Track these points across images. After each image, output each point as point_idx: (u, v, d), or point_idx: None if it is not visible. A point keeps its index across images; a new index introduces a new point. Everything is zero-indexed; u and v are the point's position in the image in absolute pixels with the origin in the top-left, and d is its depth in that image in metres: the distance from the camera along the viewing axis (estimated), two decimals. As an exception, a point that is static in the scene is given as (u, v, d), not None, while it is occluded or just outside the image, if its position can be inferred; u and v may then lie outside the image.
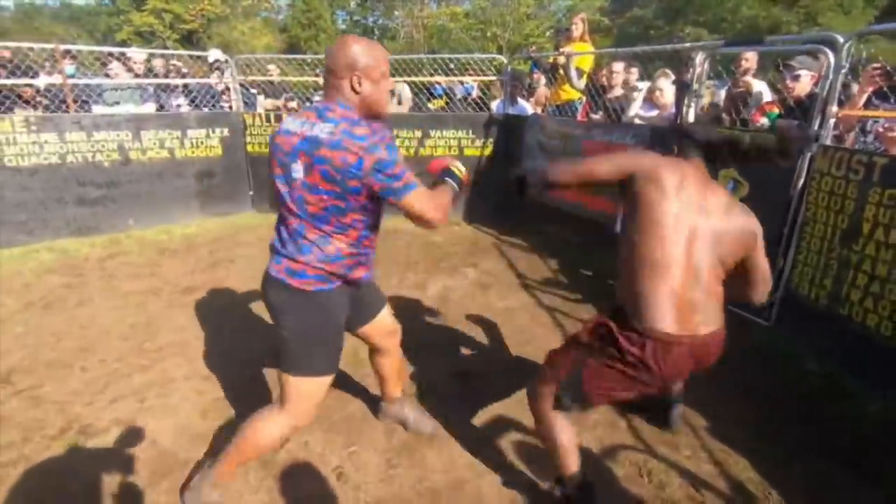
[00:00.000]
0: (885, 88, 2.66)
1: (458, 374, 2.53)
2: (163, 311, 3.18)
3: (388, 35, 32.86)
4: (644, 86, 4.17)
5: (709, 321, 1.38)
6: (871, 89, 2.73)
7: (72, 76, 4.70)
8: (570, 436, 1.59)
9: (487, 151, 5.12)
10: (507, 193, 5.07)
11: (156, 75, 5.06)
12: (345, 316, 1.61)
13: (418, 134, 5.07)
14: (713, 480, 1.87)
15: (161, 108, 4.96)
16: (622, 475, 1.89)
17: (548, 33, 21.03)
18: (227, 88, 5.17)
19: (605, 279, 3.67)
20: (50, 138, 4.23)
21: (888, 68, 2.65)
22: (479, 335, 2.96)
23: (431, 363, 2.61)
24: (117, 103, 4.57)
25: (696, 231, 1.36)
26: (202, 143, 4.97)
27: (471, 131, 5.06)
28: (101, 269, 3.88)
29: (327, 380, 1.58)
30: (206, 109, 5.07)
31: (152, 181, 4.80)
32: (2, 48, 4.70)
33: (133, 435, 2.07)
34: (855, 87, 2.84)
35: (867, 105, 2.75)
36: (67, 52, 4.63)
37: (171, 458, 1.94)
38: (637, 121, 3.93)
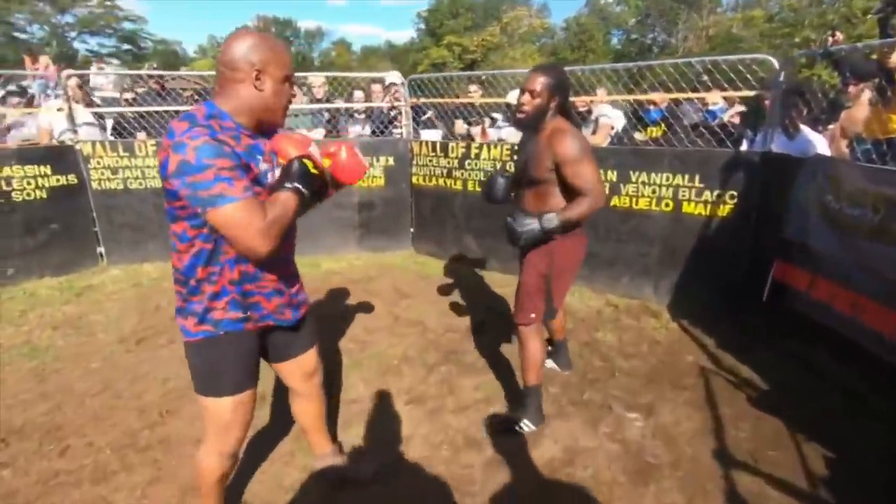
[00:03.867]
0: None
1: None
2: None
3: (666, 52, 29.65)
4: None
5: None
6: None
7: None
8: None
9: (722, 211, 3.19)
10: (741, 287, 3.09)
11: (328, 100, 4.89)
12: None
13: (612, 176, 3.51)
14: None
15: (333, 132, 4.74)
16: None
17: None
18: (400, 112, 4.62)
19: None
20: (227, 162, 4.37)
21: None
22: None
23: None
24: (291, 129, 4.49)
25: None
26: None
27: (698, 177, 3.23)
28: None
29: (233, 399, 1.42)
30: (365, 135, 4.62)
31: (312, 210, 4.57)
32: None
33: None
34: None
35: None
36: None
37: None
38: None
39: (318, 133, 4.59)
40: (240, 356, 1.43)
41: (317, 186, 1.34)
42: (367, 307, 3.50)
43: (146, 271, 4.31)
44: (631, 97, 3.58)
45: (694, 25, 24.72)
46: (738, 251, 3.17)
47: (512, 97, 4.34)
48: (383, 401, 2.47)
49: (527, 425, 2.19)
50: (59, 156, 4.04)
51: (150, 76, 5.27)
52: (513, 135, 4.45)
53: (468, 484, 1.92)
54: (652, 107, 3.55)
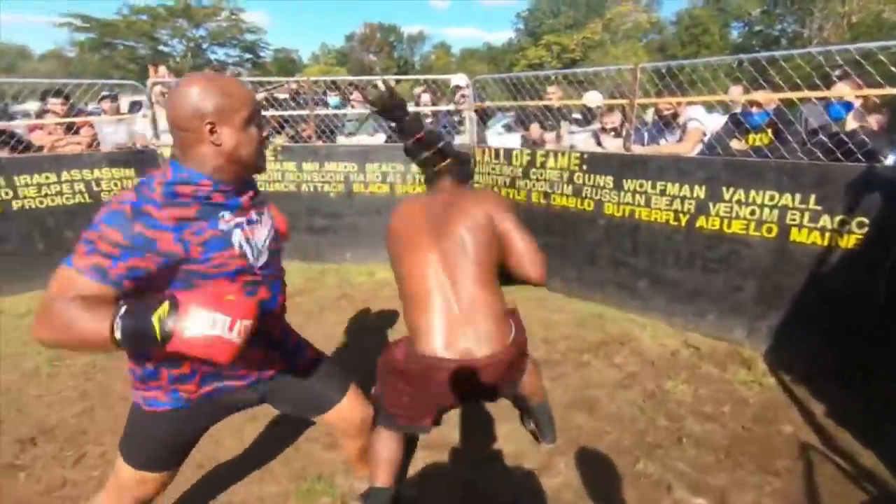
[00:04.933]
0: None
1: None
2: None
3: (797, 44, 26.20)
4: None
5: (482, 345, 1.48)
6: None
7: (336, 107, 4.85)
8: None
9: (845, 242, 2.50)
10: (867, 341, 2.41)
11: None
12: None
13: (699, 193, 2.93)
14: None
15: (391, 139, 4.58)
16: None
17: None
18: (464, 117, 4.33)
19: None
20: (290, 167, 4.39)
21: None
22: None
23: None
24: (352, 134, 4.41)
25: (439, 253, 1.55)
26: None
27: (814, 197, 2.56)
28: (298, 297, 3.68)
29: (149, 477, 1.31)
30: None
31: (371, 216, 4.47)
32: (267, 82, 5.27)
33: None
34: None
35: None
36: (334, 83, 4.78)
37: None
38: None
39: (379, 138, 4.46)
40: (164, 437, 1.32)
41: (139, 347, 0.99)
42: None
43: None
44: (728, 97, 2.94)
45: (832, 12, 21.41)
46: (865, 294, 2.46)
47: (588, 99, 3.87)
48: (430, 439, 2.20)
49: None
50: (142, 159, 4.31)
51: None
52: (585, 142, 3.96)
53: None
54: (755, 109, 2.89)
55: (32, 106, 5.26)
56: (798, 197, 2.61)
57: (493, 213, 1.60)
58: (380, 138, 4.47)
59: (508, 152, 3.96)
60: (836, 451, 2.09)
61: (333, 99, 4.92)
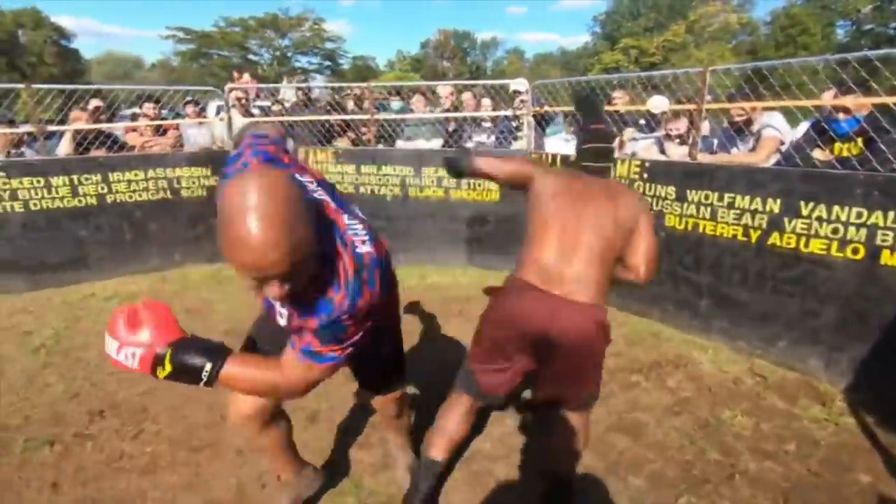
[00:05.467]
0: None
1: None
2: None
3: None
4: None
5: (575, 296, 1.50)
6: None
7: (399, 111, 4.95)
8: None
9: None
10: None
11: (456, 108, 4.72)
12: None
13: (773, 207, 2.67)
14: None
15: (452, 142, 4.59)
16: None
17: None
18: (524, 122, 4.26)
19: None
20: (349, 170, 4.53)
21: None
22: None
23: None
24: (410, 139, 4.47)
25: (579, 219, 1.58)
26: (479, 184, 4.30)
27: (911, 216, 2.25)
28: None
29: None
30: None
31: (425, 220, 4.51)
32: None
33: None
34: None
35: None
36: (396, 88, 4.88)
37: None
38: None
39: (436, 143, 4.49)
40: None
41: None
42: (450, 333, 3.26)
43: (275, 267, 4.71)
44: (810, 102, 2.63)
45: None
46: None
47: (653, 104, 3.67)
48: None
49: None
50: (218, 160, 4.64)
51: (299, 88, 5.80)
52: (647, 149, 3.76)
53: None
54: (842, 115, 2.57)
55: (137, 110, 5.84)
56: (892, 216, 2.30)
57: (639, 209, 1.66)
58: (436, 143, 4.50)
59: (565, 159, 3.84)
60: (925, 510, 1.81)
61: (396, 104, 5.03)
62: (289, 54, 35.81)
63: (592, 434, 2.09)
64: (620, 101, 4.31)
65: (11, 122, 4.33)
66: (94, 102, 4.81)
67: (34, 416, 2.41)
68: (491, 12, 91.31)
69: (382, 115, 4.61)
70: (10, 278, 3.97)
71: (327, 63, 37.15)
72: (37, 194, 3.98)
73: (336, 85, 6.02)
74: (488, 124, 4.79)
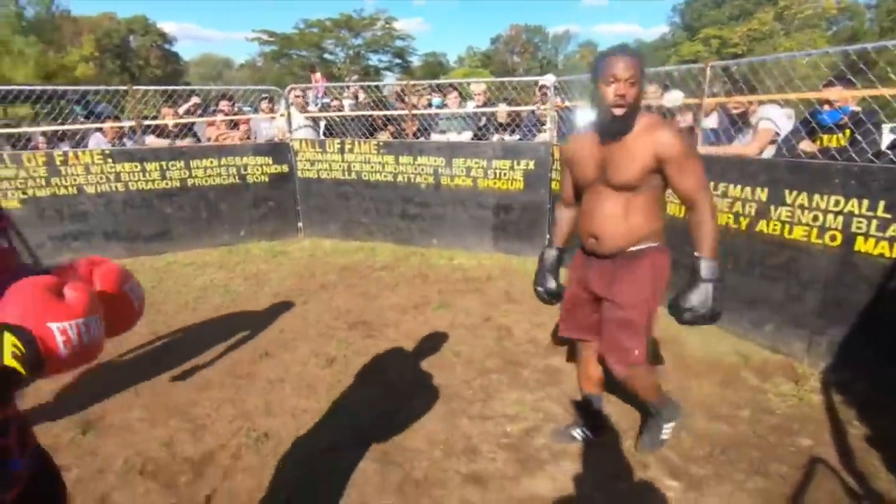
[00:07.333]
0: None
1: None
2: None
3: None
4: None
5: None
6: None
7: (439, 106, 5.37)
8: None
9: (917, 254, 2.24)
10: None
11: (484, 104, 5.05)
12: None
13: (761, 195, 2.80)
14: None
15: (481, 136, 4.93)
16: None
17: None
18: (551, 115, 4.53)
19: None
20: (389, 160, 5.02)
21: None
22: None
23: None
24: (443, 132, 4.87)
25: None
26: (505, 174, 4.63)
27: (883, 204, 2.33)
28: (381, 271, 4.33)
29: None
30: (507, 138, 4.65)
31: (455, 207, 4.91)
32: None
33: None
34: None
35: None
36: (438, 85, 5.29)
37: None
38: None
39: (466, 135, 4.86)
40: None
41: None
42: (465, 304, 3.65)
43: (324, 245, 5.32)
44: (794, 95, 2.70)
45: None
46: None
47: (668, 98, 3.82)
48: (411, 390, 2.60)
49: (669, 424, 2.08)
50: (278, 150, 5.31)
51: (349, 87, 6.39)
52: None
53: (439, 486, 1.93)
54: (826, 107, 2.62)
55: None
56: (866, 203, 2.40)
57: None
58: (466, 135, 4.88)
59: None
60: (853, 473, 1.97)
61: (436, 99, 5.46)
62: (361, 53, 37.44)
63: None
64: (653, 96, 4.44)
65: (117, 118, 5.24)
66: (194, 99, 5.67)
67: (124, 347, 3.10)
68: (567, 5, 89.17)
69: (418, 111, 5.06)
70: (113, 247, 4.85)
71: (397, 61, 38.43)
72: (134, 177, 4.84)
73: (374, 84, 6.54)
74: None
